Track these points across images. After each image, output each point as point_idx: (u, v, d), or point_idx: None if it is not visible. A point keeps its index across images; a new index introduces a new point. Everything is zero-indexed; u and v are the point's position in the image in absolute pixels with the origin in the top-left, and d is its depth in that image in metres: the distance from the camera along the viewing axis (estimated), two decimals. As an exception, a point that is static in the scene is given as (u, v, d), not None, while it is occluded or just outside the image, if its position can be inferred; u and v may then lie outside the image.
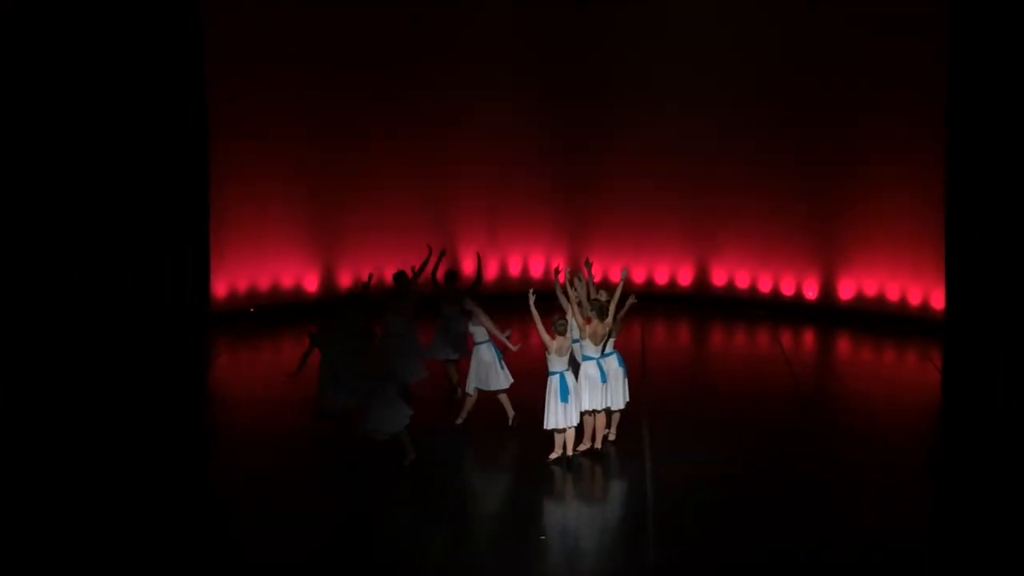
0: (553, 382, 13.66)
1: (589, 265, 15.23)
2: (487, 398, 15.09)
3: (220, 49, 18.61)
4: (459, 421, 15.05)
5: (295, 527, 12.16)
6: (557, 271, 14.55)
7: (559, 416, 13.64)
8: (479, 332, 14.97)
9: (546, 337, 13.60)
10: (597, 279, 16.19)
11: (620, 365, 14.28)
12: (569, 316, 14.04)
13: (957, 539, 12.12)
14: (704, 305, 21.27)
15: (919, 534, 12.32)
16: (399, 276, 15.96)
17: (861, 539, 12.00)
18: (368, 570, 11.40)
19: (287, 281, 20.57)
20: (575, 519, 12.78)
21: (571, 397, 13.65)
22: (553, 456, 13.86)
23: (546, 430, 13.78)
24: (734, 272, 21.34)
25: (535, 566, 11.55)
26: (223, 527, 12.22)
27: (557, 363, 13.66)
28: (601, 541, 12.17)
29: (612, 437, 14.51)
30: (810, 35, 20.09)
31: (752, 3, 20.55)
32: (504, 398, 14.98)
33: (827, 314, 20.47)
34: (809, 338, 20.07)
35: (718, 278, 21.45)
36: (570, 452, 13.86)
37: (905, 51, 19.10)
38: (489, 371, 14.90)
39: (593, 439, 14.18)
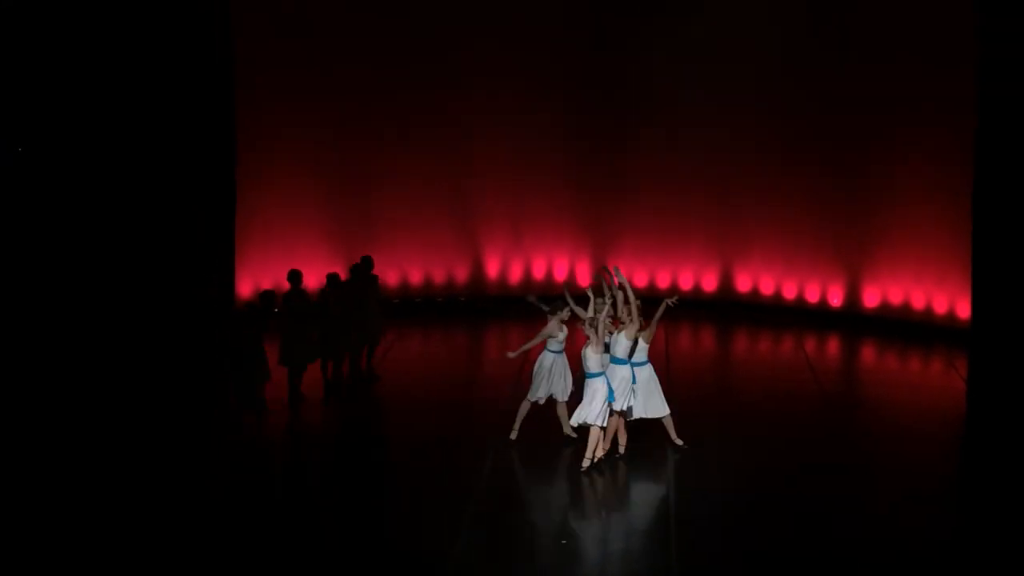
0: (598, 384, 13.61)
1: (605, 271, 15.23)
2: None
3: (247, 50, 18.67)
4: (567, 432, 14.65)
5: (314, 530, 12.16)
6: (615, 270, 14.45)
7: (602, 414, 13.60)
8: (555, 343, 14.60)
9: (591, 331, 13.60)
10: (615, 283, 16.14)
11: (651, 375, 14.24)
12: (603, 316, 13.96)
13: (981, 545, 12.07)
14: (729, 311, 21.22)
15: (943, 540, 12.27)
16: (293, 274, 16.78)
17: (886, 545, 11.95)
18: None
19: (312, 281, 20.58)
20: (598, 524, 12.75)
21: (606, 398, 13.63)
22: (586, 464, 13.74)
23: (582, 426, 13.73)
24: (759, 278, 21.29)
25: (558, 571, 11.53)
26: (235, 529, 12.20)
27: (596, 363, 13.61)
28: (624, 546, 12.14)
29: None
30: (838, 43, 20.04)
31: (781, 10, 20.51)
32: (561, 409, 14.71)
33: (852, 321, 20.40)
34: (834, 345, 20.00)
35: (743, 284, 21.40)
36: (596, 456, 13.82)
37: (934, 59, 19.02)
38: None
39: (616, 443, 14.15)
